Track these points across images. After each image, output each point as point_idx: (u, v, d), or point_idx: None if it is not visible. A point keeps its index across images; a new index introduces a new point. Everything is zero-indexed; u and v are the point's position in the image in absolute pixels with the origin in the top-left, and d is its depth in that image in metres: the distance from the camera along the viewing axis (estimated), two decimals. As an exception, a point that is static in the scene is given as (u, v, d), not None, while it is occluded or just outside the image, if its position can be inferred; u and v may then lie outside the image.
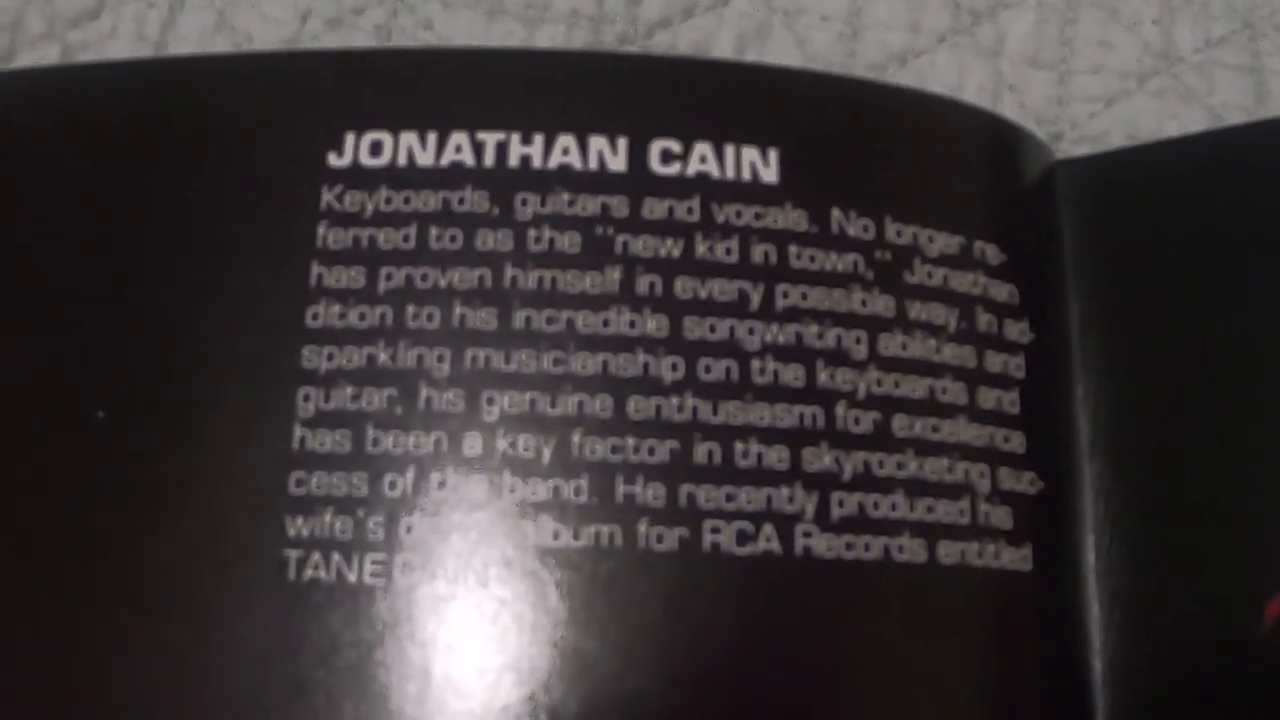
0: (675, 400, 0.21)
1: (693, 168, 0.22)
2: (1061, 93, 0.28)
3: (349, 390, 0.20)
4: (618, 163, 0.22)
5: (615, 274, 0.21)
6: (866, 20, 0.28)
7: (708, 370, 0.21)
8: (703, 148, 0.22)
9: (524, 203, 0.22)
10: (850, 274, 0.22)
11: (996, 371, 0.22)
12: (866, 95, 0.24)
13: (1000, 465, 0.22)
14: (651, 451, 0.20)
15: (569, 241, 0.21)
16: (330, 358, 0.21)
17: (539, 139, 0.22)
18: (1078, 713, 0.22)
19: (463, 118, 0.22)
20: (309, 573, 0.20)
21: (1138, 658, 0.22)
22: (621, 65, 0.24)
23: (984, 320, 0.22)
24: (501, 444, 0.20)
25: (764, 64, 0.27)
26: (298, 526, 0.20)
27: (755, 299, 0.21)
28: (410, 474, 0.20)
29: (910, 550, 0.21)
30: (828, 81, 0.24)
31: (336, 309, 0.21)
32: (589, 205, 0.22)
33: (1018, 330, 0.22)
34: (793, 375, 0.21)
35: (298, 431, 0.20)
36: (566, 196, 0.22)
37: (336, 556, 0.20)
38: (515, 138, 0.22)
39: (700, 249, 0.21)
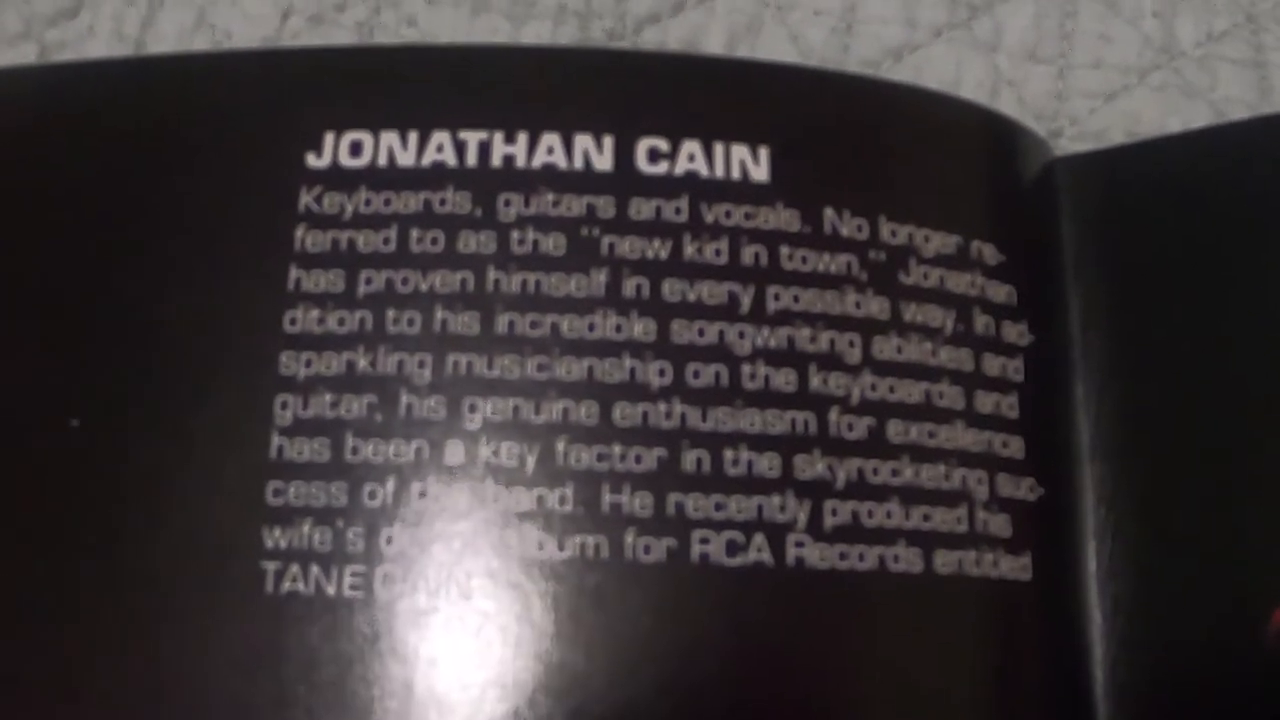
0: (663, 406, 0.21)
1: (681, 166, 0.22)
2: (1061, 88, 0.28)
3: (328, 397, 0.20)
4: (603, 162, 0.22)
5: (601, 276, 0.21)
6: (861, 15, 0.28)
7: (696, 375, 0.21)
8: (691, 146, 0.22)
9: (507, 203, 0.21)
10: (843, 275, 0.22)
11: (994, 375, 0.22)
12: (859, 91, 0.24)
13: (998, 471, 0.22)
14: (638, 459, 0.20)
15: (553, 243, 0.21)
16: (309, 364, 0.21)
17: (522, 138, 0.22)
18: None
19: (444, 116, 0.22)
20: (287, 585, 0.19)
21: (1139, 667, 0.22)
22: (607, 62, 0.24)
23: (981, 322, 0.22)
24: (484, 452, 0.20)
25: (753, 59, 0.27)
26: (275, 538, 0.20)
27: (746, 301, 0.21)
28: (391, 483, 0.20)
29: (906, 560, 0.20)
30: (819, 77, 0.24)
31: (315, 314, 0.21)
32: (574, 206, 0.22)
33: (1016, 332, 0.22)
34: (784, 380, 0.21)
35: (275, 440, 0.20)
36: (551, 197, 0.21)
37: (315, 568, 0.19)
38: (498, 137, 0.22)
39: (689, 250, 0.21)
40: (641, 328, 0.21)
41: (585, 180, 0.22)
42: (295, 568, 0.20)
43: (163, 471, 0.20)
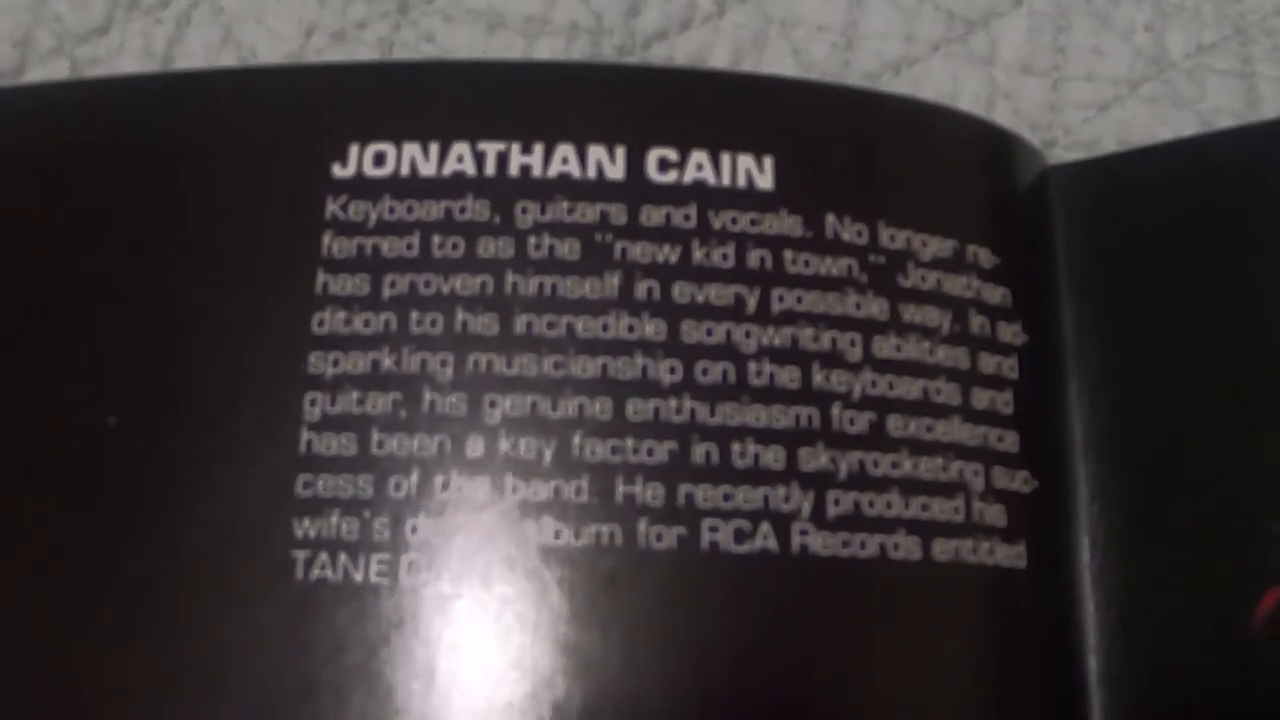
0: (673, 402, 0.21)
1: (689, 175, 0.22)
2: (1055, 99, 0.28)
3: (354, 395, 0.21)
4: (616, 171, 0.22)
5: (614, 279, 0.22)
6: (862, 30, 0.29)
7: (705, 373, 0.21)
8: (699, 155, 0.22)
9: (524, 211, 0.22)
10: (844, 278, 0.22)
11: (990, 373, 0.22)
12: (859, 103, 0.24)
13: (994, 464, 0.22)
14: (650, 452, 0.21)
15: (568, 248, 0.22)
16: (336, 363, 0.21)
17: (538, 148, 0.22)
18: (1073, 709, 0.22)
19: (464, 128, 0.22)
20: (316, 572, 0.20)
21: (1132, 656, 0.23)
22: (618, 75, 0.24)
23: (977, 322, 0.23)
24: (503, 446, 0.21)
25: (758, 73, 0.27)
26: (305, 528, 0.20)
27: (751, 303, 0.22)
28: (415, 476, 0.20)
29: (905, 548, 0.21)
30: (821, 90, 0.25)
31: (342, 316, 0.21)
32: (588, 213, 0.22)
33: (1011, 332, 0.23)
34: (788, 377, 0.21)
35: (305, 435, 0.21)
36: (566, 204, 0.22)
37: (343, 556, 0.20)
38: (515, 147, 0.22)
39: (697, 255, 0.22)
40: (653, 328, 0.21)
41: (598, 188, 0.22)
42: (324, 556, 0.20)
43: (197, 465, 0.21)
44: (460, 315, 0.21)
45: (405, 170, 0.22)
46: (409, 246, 0.22)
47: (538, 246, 0.22)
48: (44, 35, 0.28)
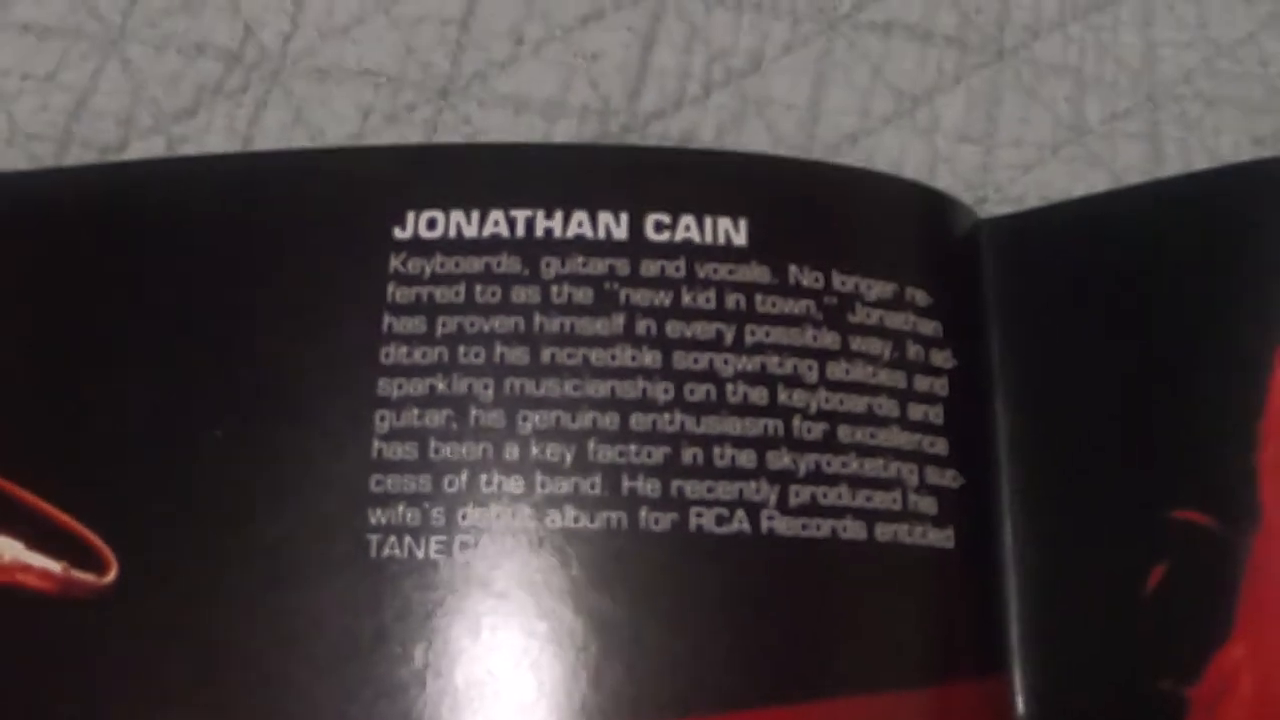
0: (667, 416, 0.23)
1: (680, 235, 0.24)
2: (987, 162, 0.30)
3: (415, 412, 0.23)
4: (620, 232, 0.24)
5: (620, 319, 0.24)
6: (824, 107, 0.31)
7: (692, 392, 0.23)
8: (687, 219, 0.24)
9: (548, 265, 0.24)
10: (804, 316, 0.24)
11: (924, 390, 0.25)
12: (817, 174, 0.26)
13: (927, 464, 0.24)
14: (649, 455, 0.23)
15: (583, 294, 0.24)
16: (400, 387, 0.23)
17: (559, 214, 0.24)
18: (997, 663, 0.24)
19: (499, 198, 0.24)
20: (387, 551, 0.23)
21: (1046, 622, 0.24)
22: (622, 155, 0.27)
23: (913, 350, 0.25)
24: (534, 451, 0.23)
25: (735, 150, 0.29)
26: (378, 516, 0.23)
27: (729, 337, 0.24)
28: (464, 475, 0.23)
29: (853, 530, 0.23)
30: (785, 163, 0.27)
31: (404, 350, 0.24)
32: (599, 266, 0.24)
33: (941, 357, 0.25)
34: (759, 395, 0.24)
35: (376, 444, 0.23)
36: (581, 259, 0.24)
37: (408, 538, 0.23)
38: (540, 213, 0.24)
39: (686, 299, 0.24)
40: (650, 358, 0.24)
41: (607, 246, 0.24)
42: (393, 538, 0.23)
43: (289, 469, 0.23)
44: (498, 348, 0.23)
45: (453, 233, 0.24)
46: (457, 294, 0.24)
47: (559, 293, 0.24)
48: (143, 115, 0.30)
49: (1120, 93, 0.31)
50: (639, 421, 0.23)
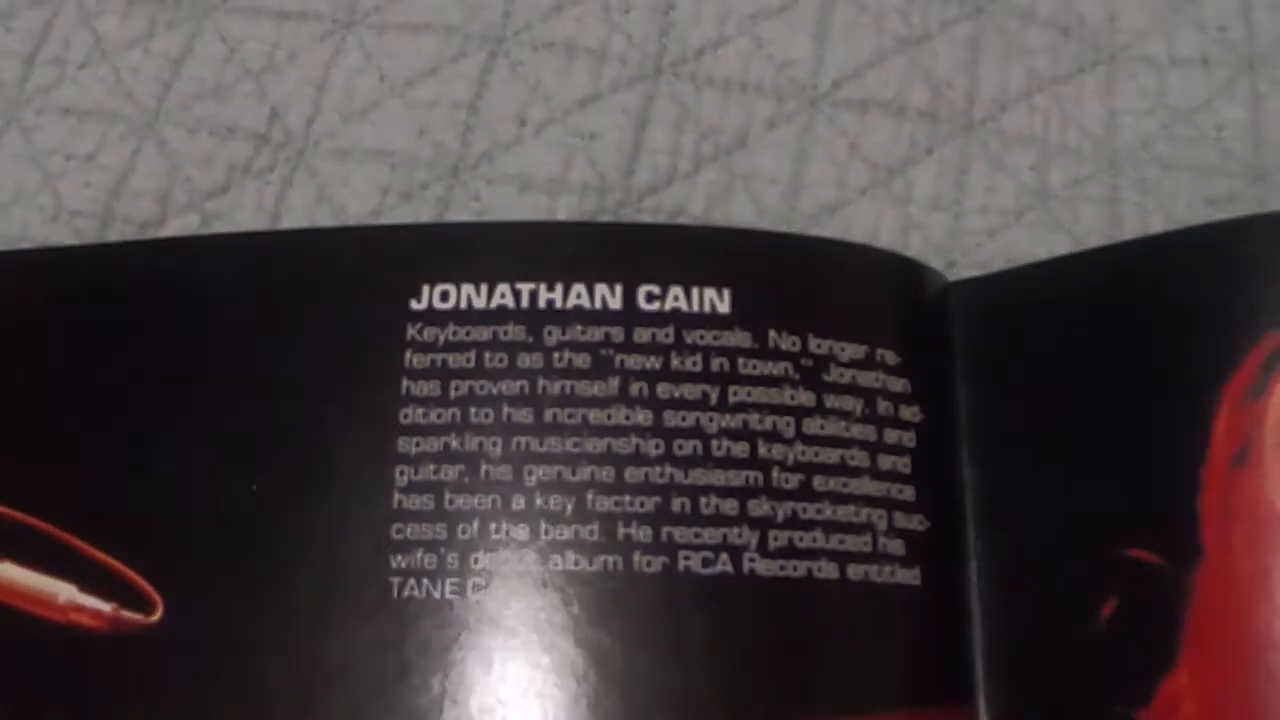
0: (658, 469, 0.25)
1: (669, 304, 0.26)
2: (956, 228, 0.31)
3: (431, 467, 0.25)
4: (615, 302, 0.26)
5: (615, 382, 0.25)
6: (804, 181, 0.32)
7: (680, 448, 0.25)
8: (676, 290, 0.26)
9: (550, 333, 0.25)
10: (783, 376, 0.25)
11: (893, 443, 0.26)
12: (794, 246, 0.28)
13: (895, 510, 0.25)
14: (642, 505, 0.24)
15: (582, 360, 0.25)
16: (417, 445, 0.25)
17: (560, 287, 0.26)
18: (964, 692, 0.25)
19: (505, 273, 0.26)
20: (407, 592, 0.24)
21: (1009, 652, 0.25)
22: (616, 232, 0.28)
23: (883, 406, 0.26)
24: (538, 502, 0.24)
25: (719, 226, 0.31)
26: (398, 561, 0.24)
27: (714, 397, 0.25)
28: (475, 523, 0.24)
29: (827, 571, 0.24)
30: (765, 236, 0.29)
31: (421, 411, 0.25)
32: (595, 333, 0.25)
33: (910, 413, 0.26)
34: (741, 450, 0.25)
35: (396, 496, 0.25)
36: (580, 328, 0.25)
37: (426, 581, 0.24)
38: (543, 286, 0.26)
39: (675, 363, 0.25)
40: (643, 417, 0.25)
41: (603, 315, 0.25)
42: (412, 580, 0.24)
43: (318, 519, 0.25)
44: (506, 409, 0.25)
45: (464, 304, 0.26)
46: (468, 360, 0.25)
47: (560, 359, 0.25)
48: (179, 193, 0.31)
49: (1083, 159, 0.31)
50: (632, 474, 0.25)
